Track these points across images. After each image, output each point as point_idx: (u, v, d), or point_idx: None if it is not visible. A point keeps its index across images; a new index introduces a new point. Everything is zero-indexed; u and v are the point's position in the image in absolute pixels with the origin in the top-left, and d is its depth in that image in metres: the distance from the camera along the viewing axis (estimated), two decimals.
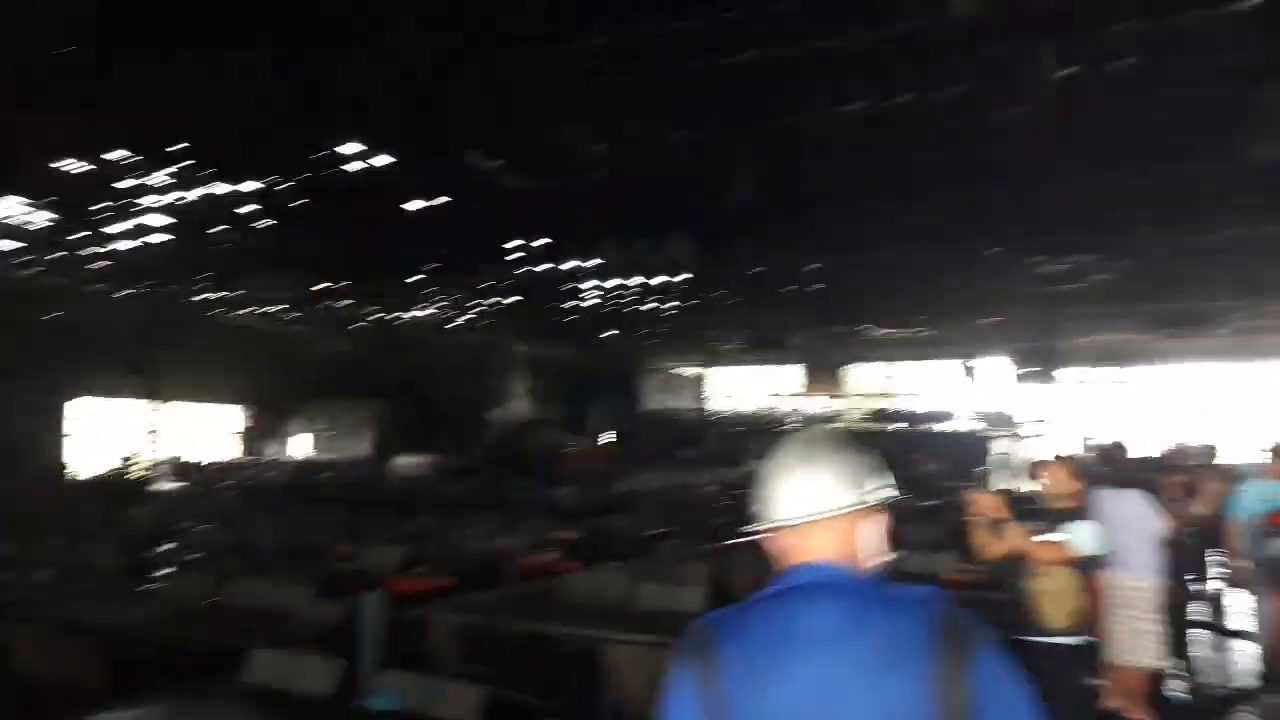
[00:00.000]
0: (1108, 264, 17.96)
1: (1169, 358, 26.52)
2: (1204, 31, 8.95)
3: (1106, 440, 9.21)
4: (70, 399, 25.05)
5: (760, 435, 28.36)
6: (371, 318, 26.81)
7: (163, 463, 25.08)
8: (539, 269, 20.34)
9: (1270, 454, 6.78)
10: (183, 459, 25.96)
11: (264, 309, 25.78)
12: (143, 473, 23.59)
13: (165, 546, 11.47)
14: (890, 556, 1.63)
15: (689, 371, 33.99)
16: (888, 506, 1.62)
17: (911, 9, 9.06)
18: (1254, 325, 22.94)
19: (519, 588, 7.80)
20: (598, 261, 19.88)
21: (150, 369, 25.13)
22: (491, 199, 15.74)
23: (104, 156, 14.31)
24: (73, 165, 14.54)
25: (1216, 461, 10.78)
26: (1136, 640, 5.00)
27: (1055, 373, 25.98)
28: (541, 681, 5.38)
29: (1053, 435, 23.28)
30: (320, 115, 12.99)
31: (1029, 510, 5.23)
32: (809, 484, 1.59)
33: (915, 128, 11.88)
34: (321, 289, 23.10)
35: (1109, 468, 7.19)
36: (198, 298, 24.17)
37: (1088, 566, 4.35)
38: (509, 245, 19.09)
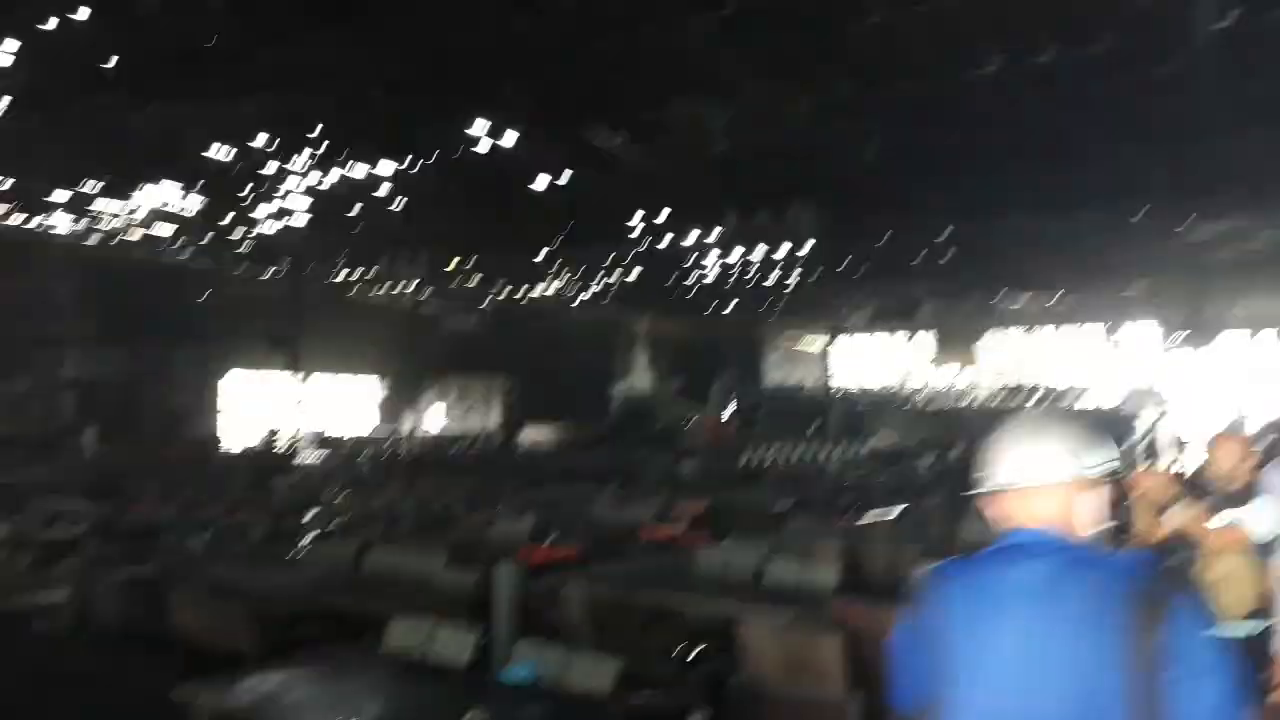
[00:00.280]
0: (1267, 226, 16.65)
1: None
2: None
3: (1276, 414, 8.53)
4: (221, 374, 26.60)
5: (886, 410, 27.70)
6: (499, 294, 27.38)
7: (306, 434, 26.32)
8: (661, 243, 20.29)
9: None
10: (324, 431, 27.19)
11: (398, 287, 26.68)
12: (288, 444, 24.80)
13: (309, 514, 11.99)
14: (1106, 526, 1.75)
15: (813, 344, 33.39)
16: (1109, 479, 1.75)
17: None
18: None
19: (647, 560, 7.80)
20: (720, 233, 19.67)
21: (294, 345, 26.39)
22: (614, 174, 15.78)
23: (248, 143, 15.02)
24: (221, 151, 15.31)
25: None
26: None
27: (1208, 343, 24.33)
28: (671, 655, 5.36)
29: (1206, 409, 21.85)
30: (450, 96, 13.25)
31: (1195, 491, 4.84)
32: (1033, 453, 1.73)
33: (1056, 86, 11.25)
34: (452, 267, 23.70)
35: None
36: (336, 277, 25.20)
37: (1266, 551, 3.99)
38: (631, 220, 19.11)
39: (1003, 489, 1.77)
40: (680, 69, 12.25)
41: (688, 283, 24.11)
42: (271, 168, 16.00)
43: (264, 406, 27.00)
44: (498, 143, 14.33)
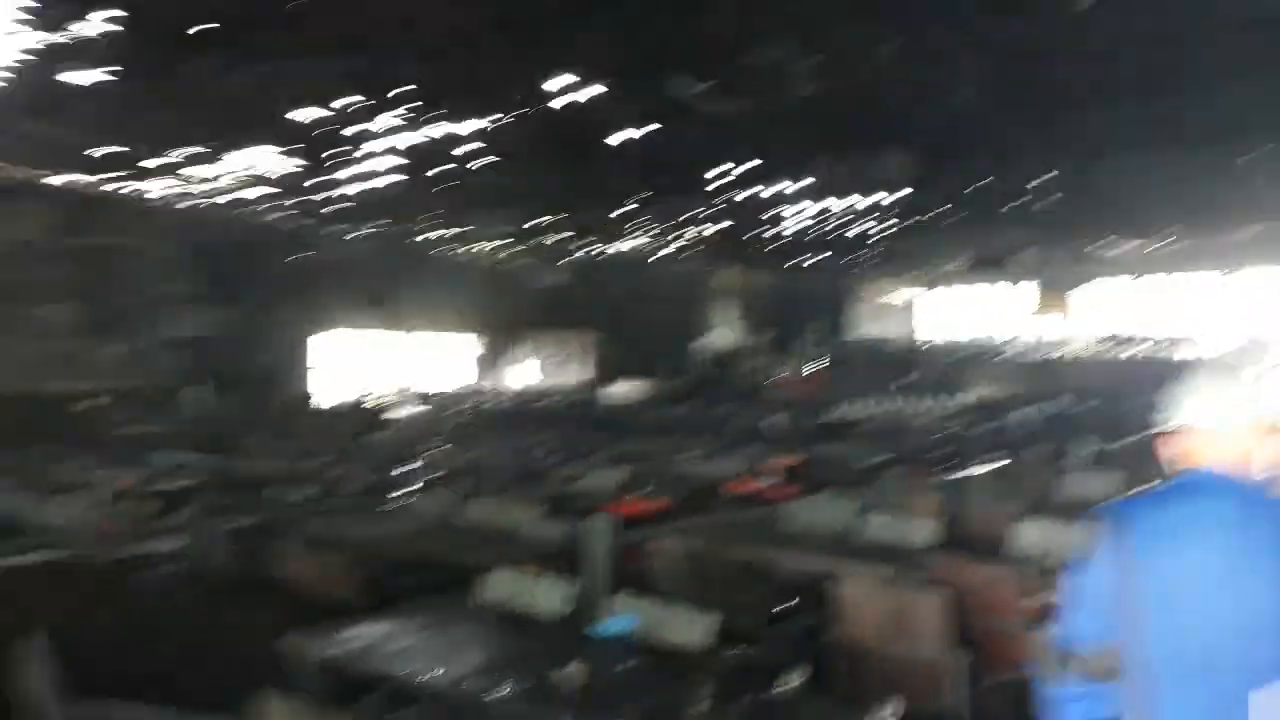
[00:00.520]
0: None
1: None
2: None
3: None
4: (320, 332, 27.42)
5: (981, 362, 26.97)
6: (585, 250, 27.46)
7: (402, 390, 27.01)
8: (746, 194, 19.98)
9: None
10: (420, 387, 27.85)
11: (485, 244, 26.98)
12: (385, 399, 25.50)
13: (406, 468, 12.32)
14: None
15: (903, 296, 32.63)
16: None
17: None
18: None
19: (738, 514, 7.77)
20: (806, 183, 19.25)
21: (387, 303, 27.03)
22: (698, 124, 15.55)
23: (337, 103, 15.23)
24: (310, 113, 15.58)
25: None
26: None
27: None
28: (764, 611, 5.33)
29: None
30: (533, 50, 13.19)
31: None
32: (1219, 396, 1.81)
33: (1163, 17, 10.57)
34: (537, 223, 23.82)
35: None
36: (426, 235, 25.61)
37: None
38: (715, 171, 18.85)
39: (1186, 429, 1.84)
40: (764, 12, 11.92)
41: (774, 234, 23.75)
42: (360, 127, 16.22)
43: (361, 363, 27.79)
44: (581, 96, 14.23)
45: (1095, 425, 14.50)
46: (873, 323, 32.28)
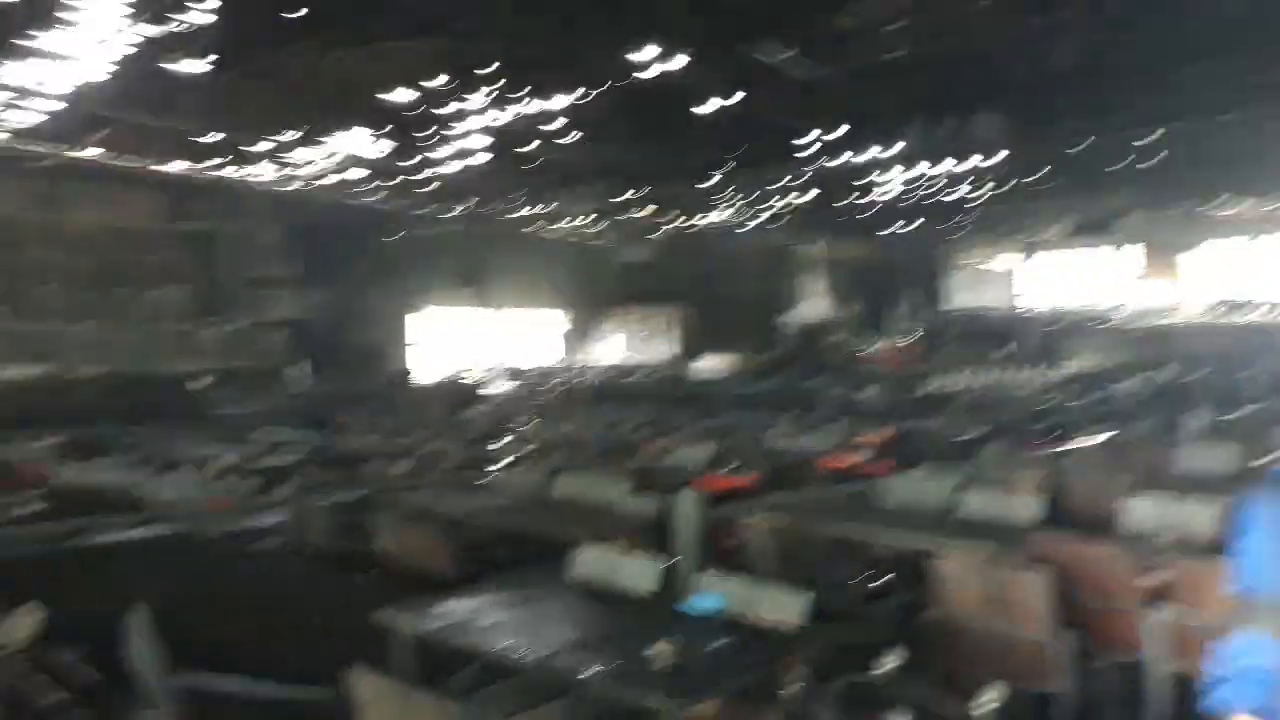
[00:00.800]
0: None
1: None
2: None
3: None
4: (415, 310, 28.03)
5: (1086, 330, 25.94)
6: (672, 223, 27.32)
7: (495, 366, 27.46)
8: (835, 162, 19.53)
9: None
10: (511, 362, 28.27)
11: (574, 220, 27.09)
12: (478, 375, 25.96)
13: (500, 442, 12.51)
14: None
15: (1000, 263, 31.55)
16: None
17: None
18: None
19: (829, 489, 7.64)
20: (900, 148, 18.69)
21: (479, 281, 27.46)
22: (786, 91, 15.22)
23: (427, 84, 15.40)
24: (402, 94, 15.81)
25: None
26: None
27: None
28: (859, 590, 5.22)
29: None
30: (618, 21, 13.08)
31: None
32: None
33: None
34: (624, 198, 23.78)
35: None
36: (516, 213, 25.84)
37: None
38: (803, 139, 18.46)
39: None
40: None
41: (866, 202, 23.21)
42: (450, 108, 16.40)
43: (455, 340, 28.34)
44: (666, 67, 14.07)
45: (1208, 395, 13.83)
46: (969, 292, 31.32)
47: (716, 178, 21.46)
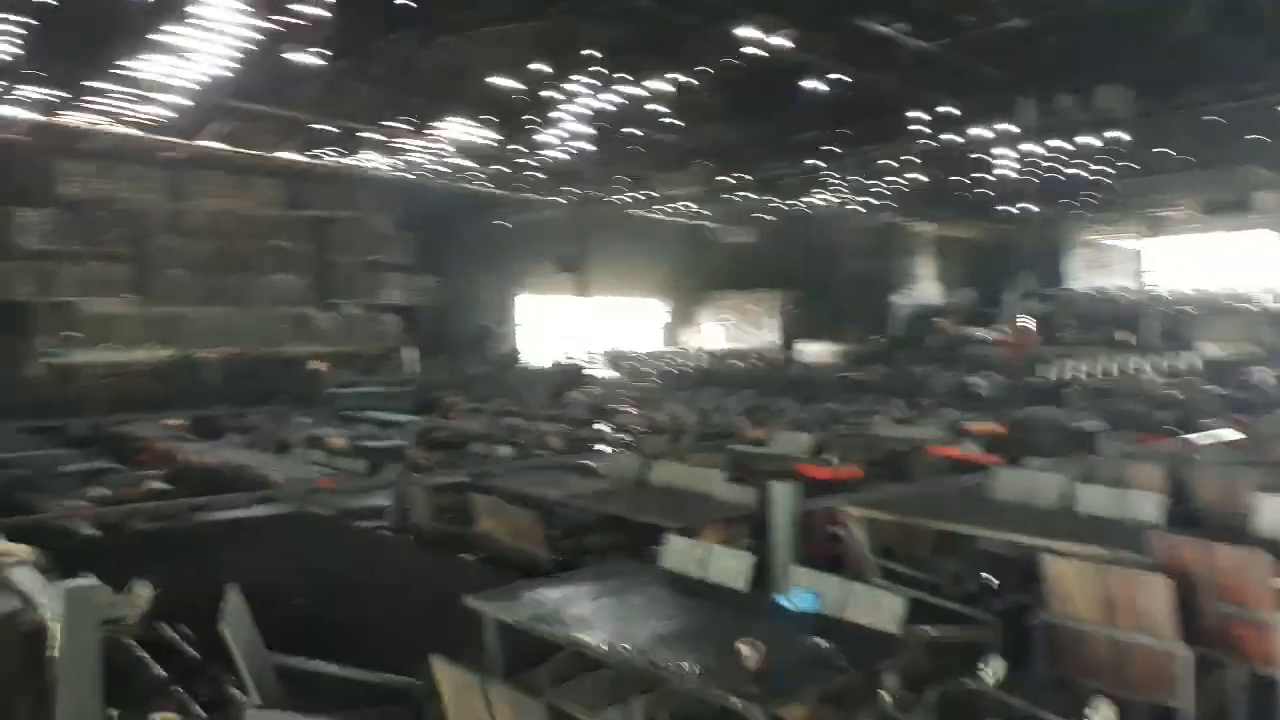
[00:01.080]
0: None
1: None
2: None
3: None
4: (518, 296, 28.44)
5: (1216, 315, 24.45)
6: (775, 205, 26.92)
7: (596, 352, 27.65)
8: (947, 138, 18.86)
9: None
10: (612, 348, 28.42)
11: (675, 204, 26.98)
12: (578, 361, 26.18)
13: (600, 427, 12.57)
14: None
15: (1123, 244, 30.00)
16: None
17: None
18: None
19: (938, 481, 7.37)
20: (1015, 123, 17.91)
21: (581, 267, 27.66)
22: (895, 66, 14.75)
23: (529, 68, 15.51)
24: (506, 82, 15.98)
25: None
26: None
27: None
28: (963, 587, 5.01)
29: None
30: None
31: None
32: None
33: None
34: (727, 180, 23.54)
35: None
36: (618, 197, 25.90)
37: None
38: (914, 116, 17.87)
39: None
40: None
41: (978, 181, 22.38)
42: (552, 94, 16.49)
43: (557, 327, 28.65)
44: (770, 46, 13.79)
45: None
46: (1092, 272, 29.90)
47: (822, 157, 21.02)
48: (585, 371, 24.87)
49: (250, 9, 12.58)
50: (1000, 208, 25.19)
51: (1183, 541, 4.26)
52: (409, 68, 15.39)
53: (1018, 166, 20.85)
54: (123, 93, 15.76)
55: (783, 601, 3.49)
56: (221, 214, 22.19)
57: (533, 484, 7.22)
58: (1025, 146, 19.28)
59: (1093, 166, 20.80)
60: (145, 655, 3.43)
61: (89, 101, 16.34)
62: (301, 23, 12.95)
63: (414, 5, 12.69)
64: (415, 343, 24.10)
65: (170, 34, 13.27)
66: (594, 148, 19.53)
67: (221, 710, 3.08)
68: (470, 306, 26.65)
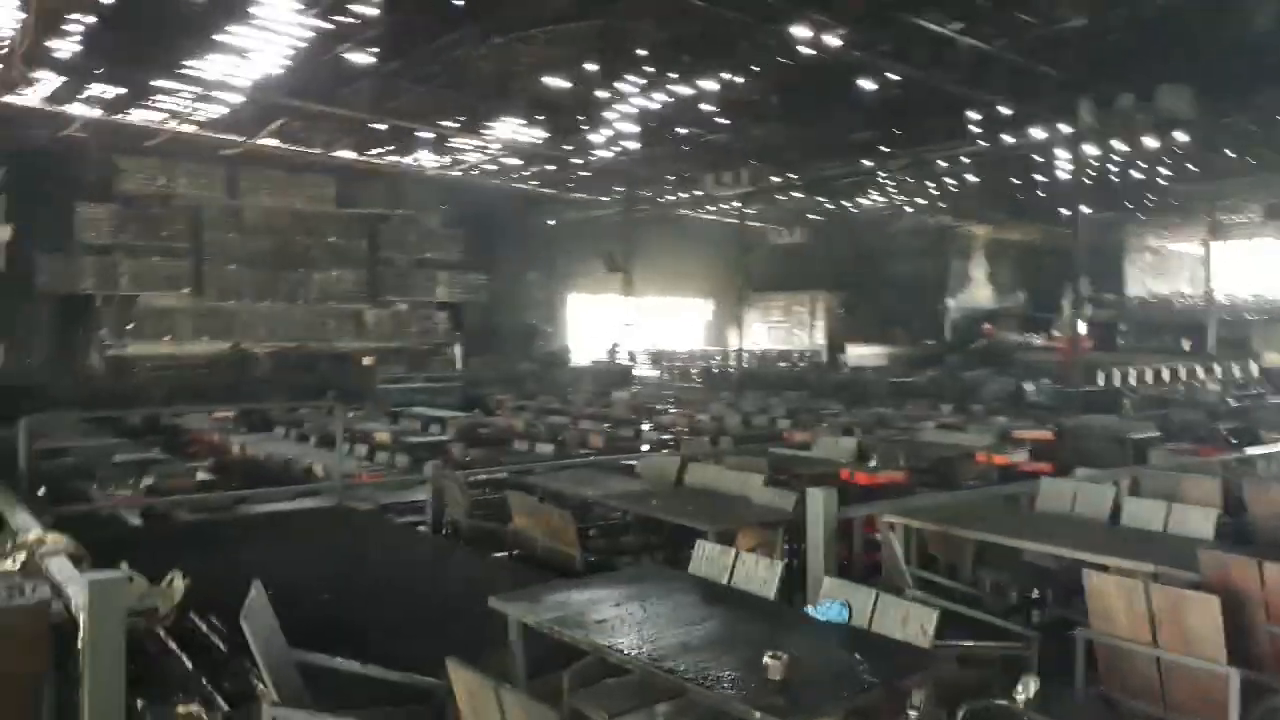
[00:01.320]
0: None
1: None
2: None
3: None
4: (565, 295, 28.55)
5: (1275, 325, 23.70)
6: (825, 206, 26.67)
7: (640, 351, 27.64)
8: (1003, 140, 18.50)
9: None
10: (656, 348, 28.38)
11: (724, 204, 26.87)
12: (623, 361, 26.19)
13: (642, 426, 12.54)
14: None
15: (1185, 249, 29.19)
16: None
17: None
18: None
19: (983, 489, 7.19)
20: (1073, 125, 17.49)
21: (628, 266, 27.66)
22: (949, 67, 14.49)
23: (580, 69, 15.54)
24: (556, 82, 16.02)
25: None
26: None
27: None
28: (1004, 599, 4.87)
29: None
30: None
31: None
32: None
33: None
34: (777, 180, 23.37)
35: None
36: (666, 197, 25.85)
37: None
38: (969, 117, 17.56)
39: None
40: None
41: (1034, 184, 21.92)
42: (605, 92, 16.49)
43: (602, 325, 28.69)
44: (822, 44, 13.62)
45: None
46: (1152, 278, 29.15)
47: (874, 158, 20.77)
48: (631, 370, 24.88)
49: (308, 9, 12.77)
50: (1057, 210, 24.67)
51: (1233, 559, 4.09)
52: (462, 68, 15.51)
53: (1075, 169, 20.38)
54: (184, 91, 16.12)
55: (812, 612, 3.41)
56: (276, 211, 22.59)
57: (570, 483, 7.19)
58: (1084, 148, 18.84)
59: (1154, 169, 20.25)
60: (174, 647, 3.47)
61: (151, 100, 16.75)
62: (357, 23, 13.12)
63: (467, 6, 12.78)
64: (464, 340, 24.32)
65: (230, 34, 13.54)
66: (644, 147, 19.52)
67: (245, 705, 3.10)
68: (518, 304, 26.82)
